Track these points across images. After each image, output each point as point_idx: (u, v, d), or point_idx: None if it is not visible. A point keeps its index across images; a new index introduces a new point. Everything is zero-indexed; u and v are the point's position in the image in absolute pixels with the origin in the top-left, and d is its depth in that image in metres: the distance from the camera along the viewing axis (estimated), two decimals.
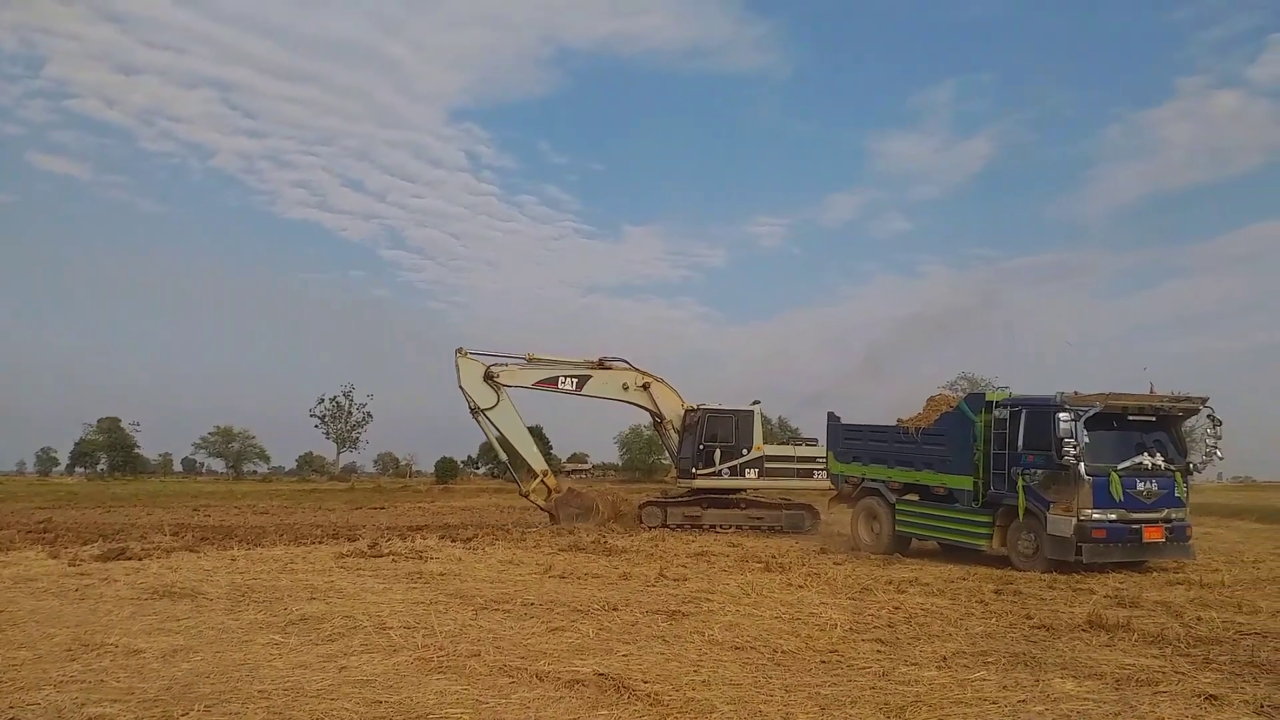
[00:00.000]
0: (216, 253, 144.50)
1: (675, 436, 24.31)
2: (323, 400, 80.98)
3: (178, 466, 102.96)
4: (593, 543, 17.58)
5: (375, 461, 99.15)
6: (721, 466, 22.75)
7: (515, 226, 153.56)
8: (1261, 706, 6.44)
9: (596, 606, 10.32)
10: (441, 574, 13.09)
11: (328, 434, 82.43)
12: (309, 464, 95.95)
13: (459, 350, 22.98)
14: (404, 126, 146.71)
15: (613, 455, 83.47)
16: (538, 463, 23.99)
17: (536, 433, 78.48)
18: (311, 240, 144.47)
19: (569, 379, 23.71)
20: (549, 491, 23.62)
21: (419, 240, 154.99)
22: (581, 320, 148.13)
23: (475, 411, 22.99)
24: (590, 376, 23.89)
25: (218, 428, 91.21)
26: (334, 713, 6.08)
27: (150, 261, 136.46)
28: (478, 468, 78.50)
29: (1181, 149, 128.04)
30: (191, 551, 15.93)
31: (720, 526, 22.08)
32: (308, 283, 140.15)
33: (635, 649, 8.17)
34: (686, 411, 23.80)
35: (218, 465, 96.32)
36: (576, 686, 6.81)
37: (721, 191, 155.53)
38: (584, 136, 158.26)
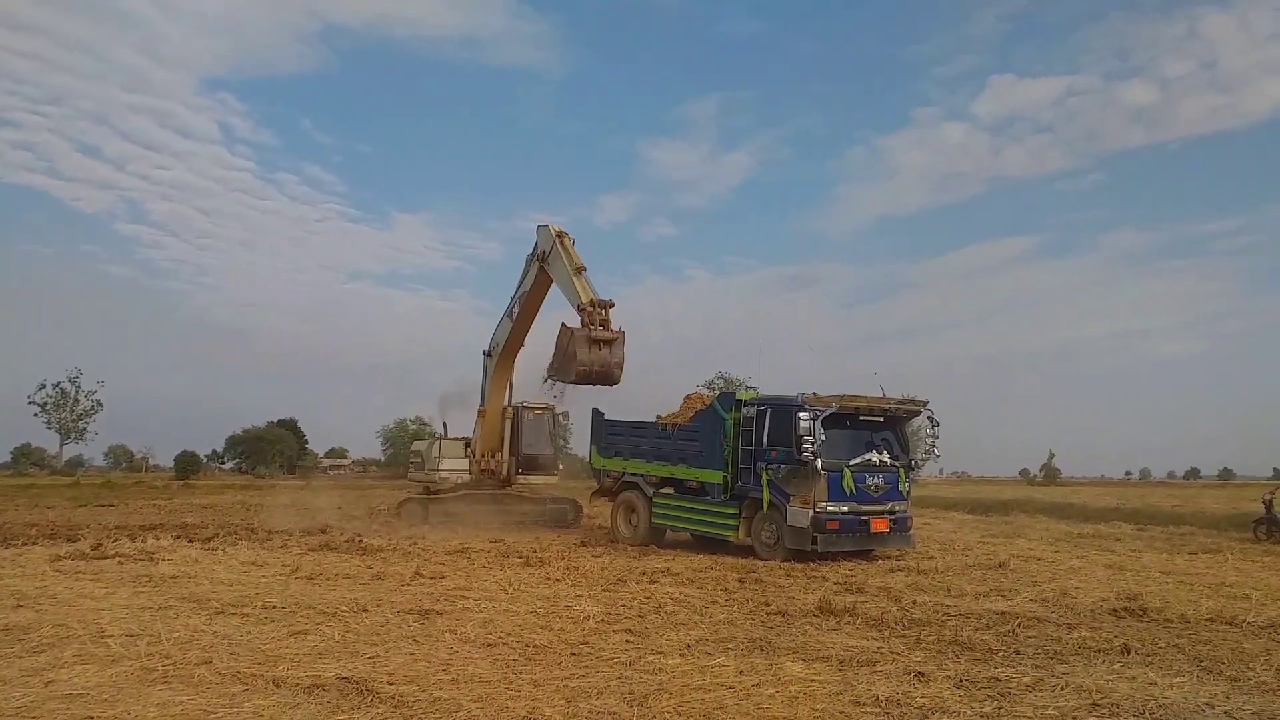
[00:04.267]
0: None
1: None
2: (44, 386, 73.41)
3: None
4: (346, 542, 16.97)
5: (106, 455, 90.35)
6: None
7: (273, 205, 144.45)
8: (961, 681, 7.18)
9: (345, 608, 9.96)
10: (174, 577, 12.18)
11: (49, 423, 74.79)
12: (26, 456, 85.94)
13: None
14: (149, 91, 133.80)
15: (374, 450, 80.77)
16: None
17: (289, 425, 74.60)
18: (37, 209, 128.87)
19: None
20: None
21: (163, 215, 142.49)
22: (345, 306, 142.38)
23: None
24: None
25: None
26: None
27: None
28: (223, 462, 73.34)
29: (915, 173, 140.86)
30: None
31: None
32: (29, 256, 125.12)
33: (383, 650, 7.96)
34: (527, 408, 23.14)
35: None
36: (316, 691, 6.55)
37: (495, 184, 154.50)
38: (351, 117, 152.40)
